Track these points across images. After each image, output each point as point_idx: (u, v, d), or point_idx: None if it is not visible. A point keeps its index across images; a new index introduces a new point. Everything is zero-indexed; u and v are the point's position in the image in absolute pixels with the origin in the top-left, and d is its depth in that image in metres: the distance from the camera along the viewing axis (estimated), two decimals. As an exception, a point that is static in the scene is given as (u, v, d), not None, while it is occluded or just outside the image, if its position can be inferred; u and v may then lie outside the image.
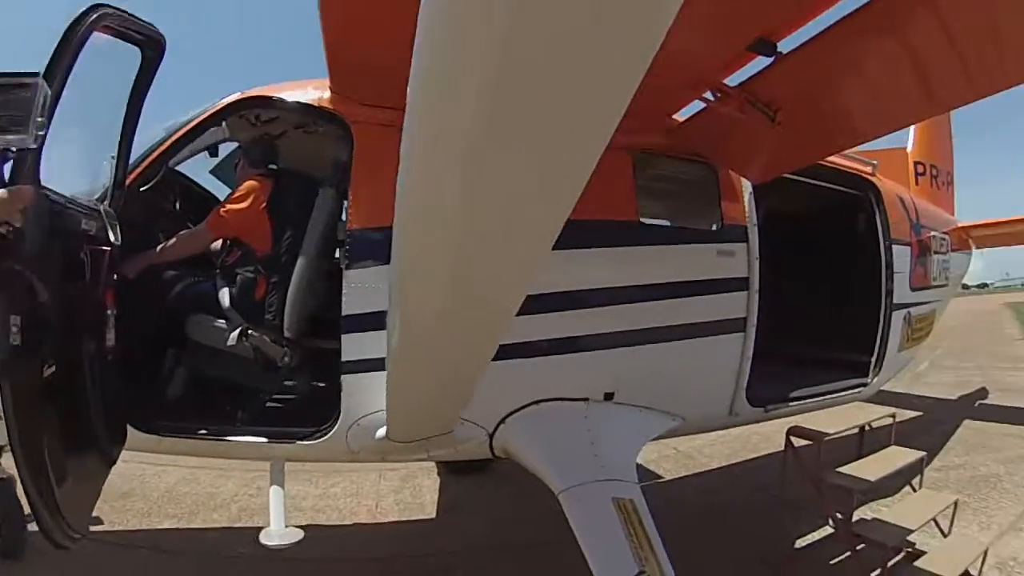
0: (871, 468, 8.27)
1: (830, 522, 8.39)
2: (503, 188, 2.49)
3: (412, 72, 2.09)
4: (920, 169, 13.12)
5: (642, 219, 6.56)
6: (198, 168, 7.80)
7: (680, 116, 6.82)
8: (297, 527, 5.71)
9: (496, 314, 3.53)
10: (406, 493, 10.54)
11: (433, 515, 9.83)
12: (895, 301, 9.28)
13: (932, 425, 14.84)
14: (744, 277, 7.12)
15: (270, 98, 6.17)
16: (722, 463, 12.50)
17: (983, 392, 19.44)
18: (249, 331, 5.96)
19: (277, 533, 5.61)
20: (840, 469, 8.19)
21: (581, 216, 5.74)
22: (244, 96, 6.17)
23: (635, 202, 6.54)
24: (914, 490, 9.26)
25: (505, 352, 5.43)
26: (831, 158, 8.75)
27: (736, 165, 7.23)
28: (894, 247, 9.30)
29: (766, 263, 7.35)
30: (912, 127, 13.36)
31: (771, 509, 9.68)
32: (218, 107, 6.12)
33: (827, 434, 8.46)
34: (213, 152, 7.42)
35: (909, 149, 13.11)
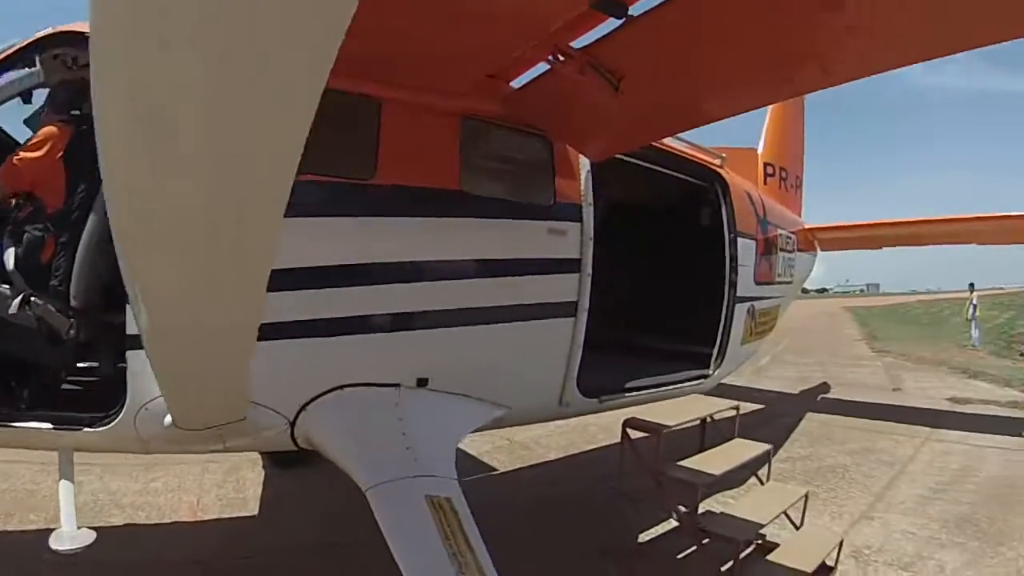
0: (715, 461, 7.68)
1: (674, 515, 7.79)
2: (196, 153, 2.16)
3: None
4: (770, 170, 12.92)
5: (465, 189, 5.62)
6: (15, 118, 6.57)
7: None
8: (94, 528, 4.74)
9: (235, 288, 2.96)
10: (229, 487, 9.51)
11: (256, 511, 8.87)
12: (738, 294, 8.81)
13: (775, 418, 14.69)
14: (576, 258, 6.38)
15: (83, 34, 4.97)
16: (560, 454, 11.72)
17: (825, 387, 19.48)
18: (32, 298, 4.84)
19: (68, 535, 4.61)
20: (682, 462, 7.58)
21: (392, 181, 5.11)
22: (56, 31, 5.16)
23: (459, 171, 5.62)
24: (761, 483, 8.69)
25: (301, 330, 4.90)
26: (679, 147, 8.26)
27: (574, 139, 6.44)
28: (739, 240, 8.83)
29: (609, 250, 6.68)
30: (764, 130, 13.21)
31: (613, 501, 9.00)
32: (25, 43, 5.17)
33: (666, 426, 7.78)
34: (27, 99, 6.02)
35: (760, 150, 12.90)
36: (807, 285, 15.85)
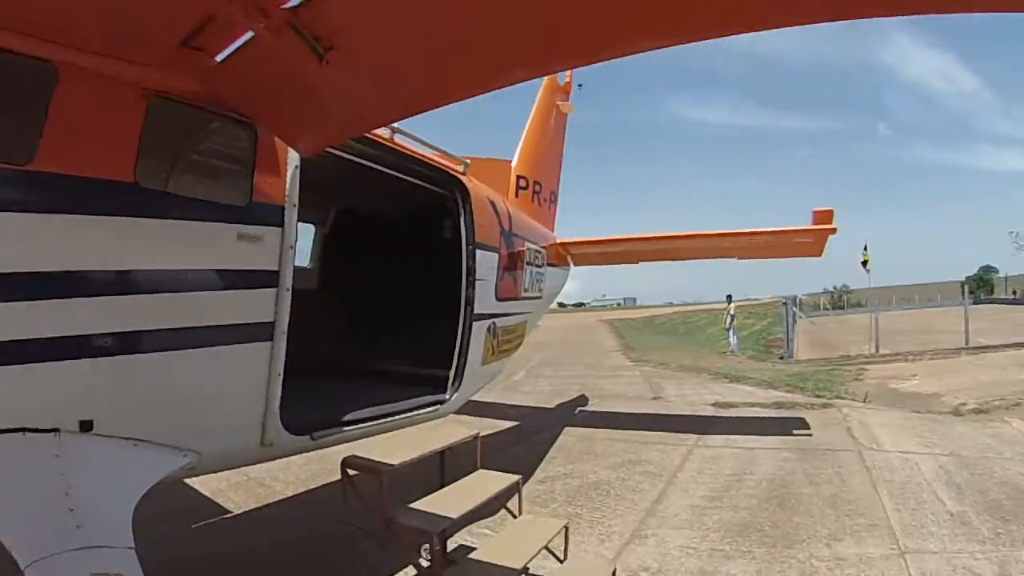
0: (453, 500, 6.83)
1: (415, 566, 6.71)
2: None
3: None
4: (522, 183, 12.77)
5: (141, 182, 4.52)
6: None
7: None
8: None
9: None
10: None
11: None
12: (477, 311, 8.24)
13: (530, 434, 14.28)
14: (274, 270, 5.39)
15: None
16: (300, 489, 10.67)
17: (583, 399, 19.34)
18: None
19: None
20: (416, 504, 6.63)
21: (54, 167, 4.14)
22: None
23: (135, 160, 4.51)
24: (514, 516, 7.78)
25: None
26: (416, 148, 7.64)
27: (281, 127, 5.43)
28: (479, 252, 8.26)
29: (332, 262, 5.78)
30: (521, 142, 13.14)
31: (357, 542, 8.15)
32: None
33: (390, 465, 6.74)
34: None
35: (514, 163, 12.67)
36: (563, 300, 15.68)
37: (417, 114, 5.28)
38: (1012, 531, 8.02)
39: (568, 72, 15.20)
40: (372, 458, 6.79)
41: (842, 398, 17.76)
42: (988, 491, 9.52)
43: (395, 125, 7.21)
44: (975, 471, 10.54)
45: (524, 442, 13.33)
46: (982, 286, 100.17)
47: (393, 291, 10.13)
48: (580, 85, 15.72)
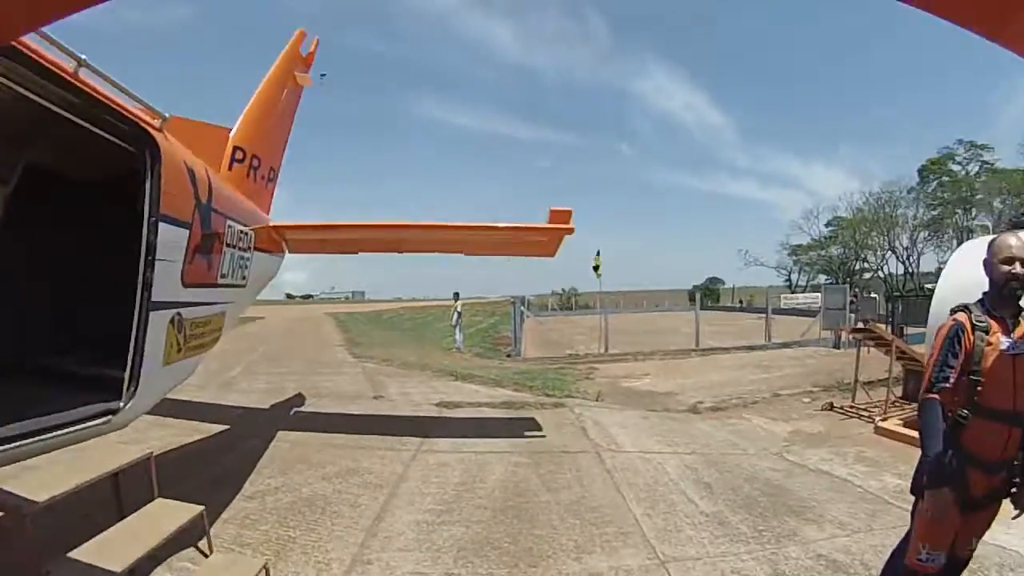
0: (123, 544, 5.68)
1: None
2: None
3: None
4: (239, 155, 12.09)
5: None
6: None
7: None
8: None
9: None
10: None
11: None
12: (157, 298, 6.88)
13: (240, 440, 13.12)
14: None
15: None
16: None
17: (299, 399, 18.50)
18: None
19: None
20: (77, 552, 5.43)
21: None
22: None
23: None
24: (205, 555, 6.85)
25: None
26: (109, 94, 6.23)
27: None
28: (163, 226, 6.88)
29: (19, 232, 4.64)
30: (245, 111, 12.55)
31: None
32: None
33: (35, 503, 5.54)
34: None
35: (233, 132, 11.82)
36: (291, 291, 14.91)
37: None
38: (774, 527, 8.24)
39: (313, 41, 14.58)
40: (15, 492, 5.60)
41: (573, 397, 18.06)
42: (740, 488, 9.87)
43: (82, 56, 5.64)
44: (723, 469, 10.95)
45: (233, 450, 12.23)
46: (708, 295, 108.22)
47: (76, 271, 8.70)
48: (324, 75, 15.25)
